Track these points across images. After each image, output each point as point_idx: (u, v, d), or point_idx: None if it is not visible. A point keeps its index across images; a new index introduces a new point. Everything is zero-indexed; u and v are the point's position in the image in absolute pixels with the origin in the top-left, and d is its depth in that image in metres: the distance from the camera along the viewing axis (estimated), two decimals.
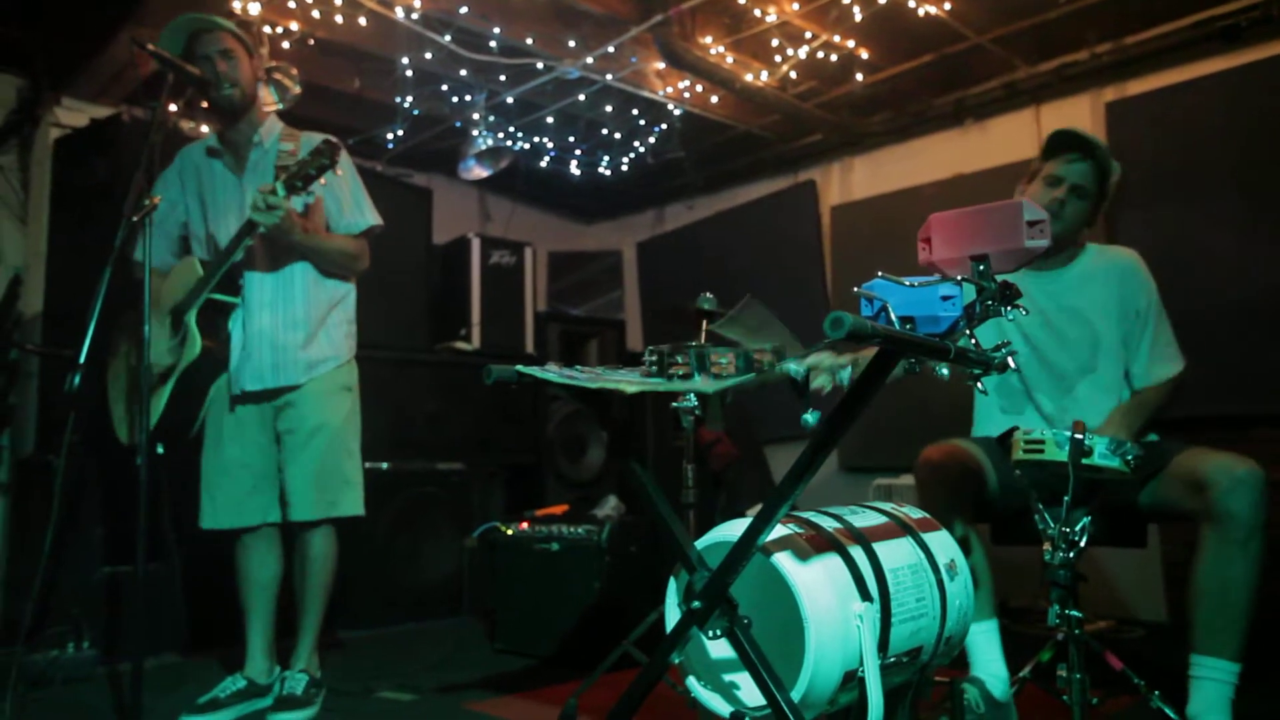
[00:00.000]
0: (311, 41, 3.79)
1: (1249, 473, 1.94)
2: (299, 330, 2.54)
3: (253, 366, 2.50)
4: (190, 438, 2.57)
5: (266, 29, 3.62)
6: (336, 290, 2.64)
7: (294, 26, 3.66)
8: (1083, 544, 1.81)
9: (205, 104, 2.56)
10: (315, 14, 3.64)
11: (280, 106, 3.71)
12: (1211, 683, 1.93)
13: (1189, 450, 2.09)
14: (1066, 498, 1.76)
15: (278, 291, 2.55)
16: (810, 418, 1.49)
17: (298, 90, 3.65)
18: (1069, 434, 1.79)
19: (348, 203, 2.60)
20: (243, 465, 2.55)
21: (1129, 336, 2.35)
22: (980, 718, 2.07)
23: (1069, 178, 2.29)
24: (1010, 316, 1.45)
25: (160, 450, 2.46)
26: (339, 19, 3.67)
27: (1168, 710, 1.97)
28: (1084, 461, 1.76)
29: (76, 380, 2.02)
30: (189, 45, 2.48)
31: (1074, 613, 1.75)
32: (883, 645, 1.45)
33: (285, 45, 3.72)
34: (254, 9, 3.49)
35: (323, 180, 2.33)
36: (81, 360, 2.03)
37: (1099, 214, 2.38)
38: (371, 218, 2.63)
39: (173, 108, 3.84)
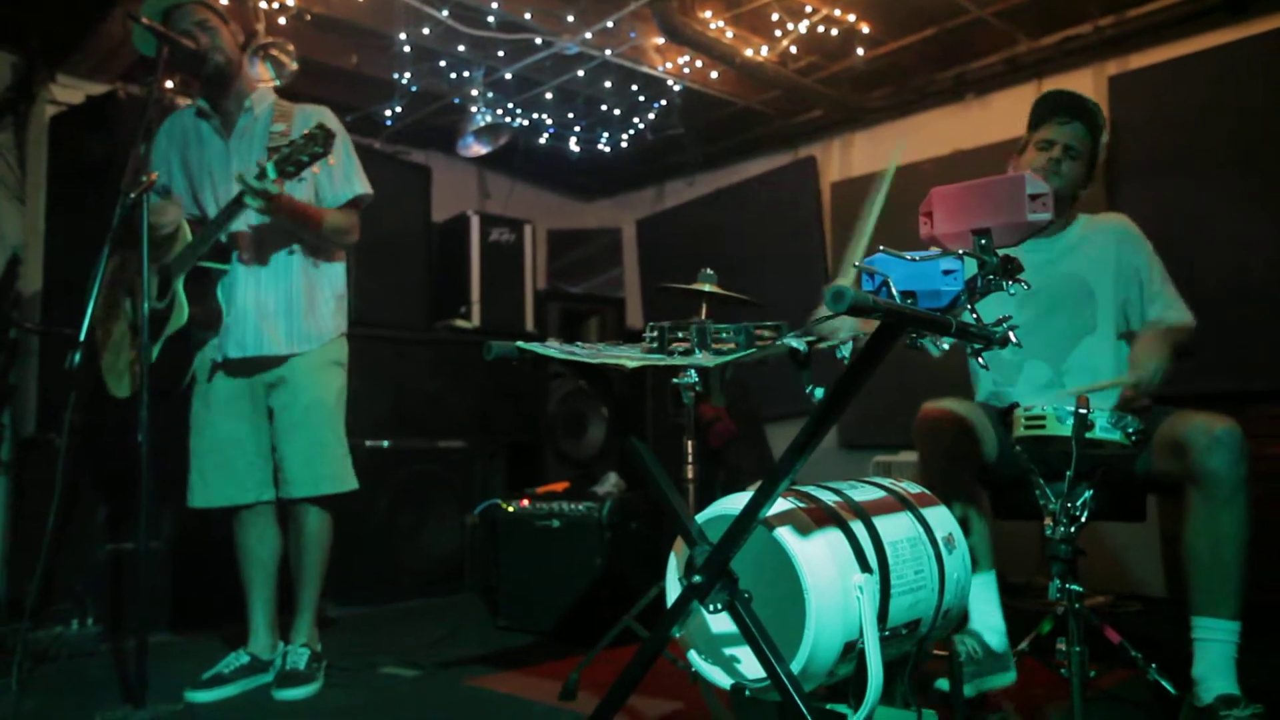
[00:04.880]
0: (308, 17, 3.75)
1: (1226, 431, 1.94)
2: (285, 302, 2.54)
3: (236, 334, 2.50)
4: (182, 388, 2.56)
5: (263, 4, 3.59)
6: (324, 266, 2.63)
7: (290, 2, 3.62)
8: (1083, 519, 1.81)
9: (195, 77, 2.52)
10: None
11: (278, 83, 3.70)
12: (1213, 643, 1.94)
13: (1171, 416, 2.10)
14: (1069, 473, 1.76)
15: (265, 263, 2.54)
16: (815, 392, 1.49)
17: (295, 67, 3.62)
18: (1070, 408, 1.79)
19: (338, 174, 2.58)
20: (234, 441, 2.55)
21: (1130, 298, 2.34)
22: (979, 666, 2.08)
23: (1061, 139, 2.30)
24: (1012, 290, 1.45)
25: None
26: None
27: (1164, 683, 1.99)
28: (1085, 435, 1.76)
29: (77, 358, 2.02)
30: (165, 22, 2.45)
31: (1074, 587, 1.76)
32: (882, 617, 1.46)
33: (281, 21, 3.68)
34: None
35: (315, 169, 2.31)
36: (82, 338, 2.03)
37: (1092, 175, 2.38)
38: (360, 186, 2.60)
39: (169, 84, 3.82)
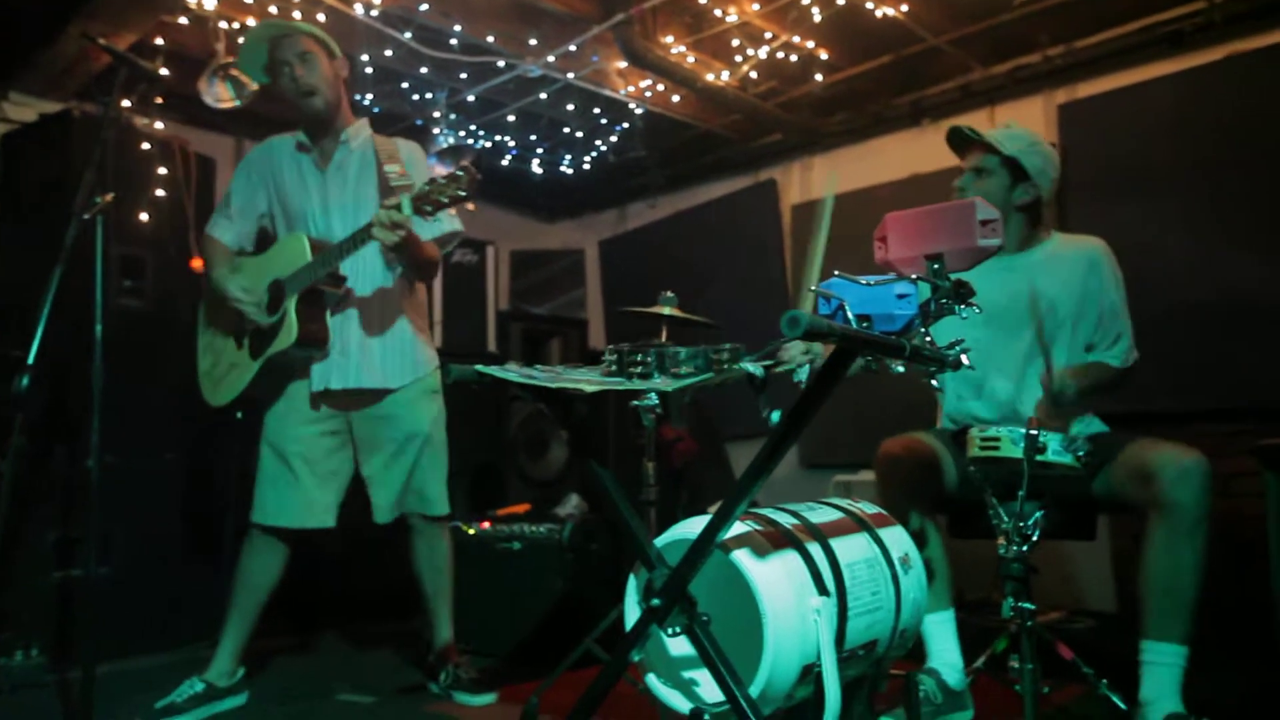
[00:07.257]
0: None
1: (1195, 463, 1.99)
2: (386, 335, 2.55)
3: (340, 365, 2.50)
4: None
5: (223, 24, 3.57)
6: (413, 299, 2.67)
7: (250, 21, 3.61)
8: (1035, 538, 1.84)
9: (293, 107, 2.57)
10: (272, 9, 3.58)
11: (238, 103, 3.68)
12: (1162, 667, 1.98)
13: (1137, 442, 2.14)
14: (1021, 493, 1.79)
15: (370, 294, 2.55)
16: (772, 415, 1.50)
17: (255, 86, 3.60)
18: (1023, 431, 1.82)
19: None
20: (315, 463, 2.54)
21: (1097, 324, 2.36)
22: (936, 708, 2.11)
23: (969, 163, 2.52)
24: (964, 314, 1.49)
25: (240, 416, 2.63)
26: (297, 15, 3.62)
27: (1114, 698, 2.02)
28: (1037, 458, 1.80)
29: (24, 382, 1.98)
30: (270, 52, 2.52)
31: (1027, 604, 1.79)
32: (839, 639, 1.47)
33: (241, 41, 3.66)
34: (210, 3, 3.44)
35: (453, 211, 2.33)
36: (30, 361, 1.99)
37: (1031, 188, 2.41)
38: (449, 224, 2.55)
39: (126, 103, 3.77)
